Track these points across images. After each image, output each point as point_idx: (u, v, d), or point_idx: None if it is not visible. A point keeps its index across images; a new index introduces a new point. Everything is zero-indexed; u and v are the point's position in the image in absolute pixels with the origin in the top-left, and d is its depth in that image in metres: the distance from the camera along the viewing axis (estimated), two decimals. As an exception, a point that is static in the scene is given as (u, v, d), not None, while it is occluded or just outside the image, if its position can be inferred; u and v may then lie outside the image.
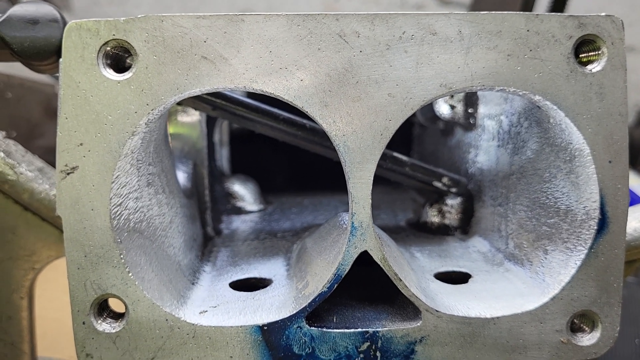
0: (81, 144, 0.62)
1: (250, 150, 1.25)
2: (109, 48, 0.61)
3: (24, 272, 0.96)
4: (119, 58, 0.62)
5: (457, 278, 0.78)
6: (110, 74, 0.62)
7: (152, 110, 0.62)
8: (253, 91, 0.63)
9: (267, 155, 1.35)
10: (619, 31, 0.65)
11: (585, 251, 0.68)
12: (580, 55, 0.65)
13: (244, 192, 1.12)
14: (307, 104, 0.63)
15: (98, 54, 0.61)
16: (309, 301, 0.65)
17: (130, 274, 0.64)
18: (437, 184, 0.95)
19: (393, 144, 0.98)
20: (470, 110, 0.97)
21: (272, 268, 0.80)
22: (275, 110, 0.87)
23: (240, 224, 1.03)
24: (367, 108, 0.63)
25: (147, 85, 0.62)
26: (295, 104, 0.63)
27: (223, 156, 1.17)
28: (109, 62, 0.62)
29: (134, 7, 3.36)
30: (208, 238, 0.94)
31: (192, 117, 0.96)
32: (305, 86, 0.63)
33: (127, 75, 0.61)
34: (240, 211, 1.09)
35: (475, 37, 0.63)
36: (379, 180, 0.95)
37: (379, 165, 0.89)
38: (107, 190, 0.63)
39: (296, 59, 0.62)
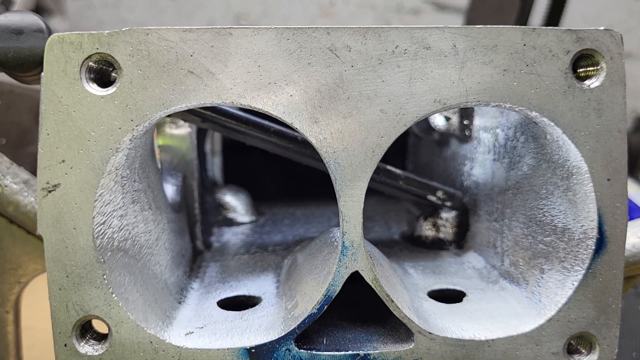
0: (63, 161, 0.60)
1: (243, 158, 1.23)
2: (92, 62, 0.59)
3: (10, 285, 0.94)
4: (103, 72, 0.61)
5: (452, 296, 0.77)
6: (93, 88, 0.60)
7: (136, 126, 0.60)
8: (241, 106, 0.61)
9: (260, 163, 1.32)
10: (618, 46, 0.63)
11: (583, 271, 0.66)
12: (579, 70, 0.63)
13: (235, 203, 1.10)
14: (296, 120, 0.61)
15: (81, 68, 0.59)
16: (298, 323, 0.63)
17: (113, 295, 0.62)
18: (432, 198, 0.93)
19: (388, 154, 0.96)
20: (465, 122, 0.95)
21: (261, 285, 0.78)
22: (266, 122, 0.85)
23: (231, 237, 1.01)
24: (359, 124, 0.62)
25: (132, 100, 0.60)
26: (284, 120, 0.61)
27: (215, 165, 1.15)
28: (92, 76, 0.60)
29: (128, 11, 3.34)
30: (197, 252, 0.92)
31: (182, 129, 0.94)
32: (295, 102, 0.61)
33: (110, 90, 0.60)
34: (231, 223, 1.07)
35: (470, 51, 0.62)
36: (374, 190, 0.93)
37: (372, 179, 0.88)
38: (90, 209, 0.61)
39: (286, 73, 0.61)
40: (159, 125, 0.94)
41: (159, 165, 0.92)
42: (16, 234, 0.89)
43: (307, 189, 1.24)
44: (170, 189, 0.87)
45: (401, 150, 1.32)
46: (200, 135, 1.06)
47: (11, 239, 0.89)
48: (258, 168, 1.31)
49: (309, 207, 1.21)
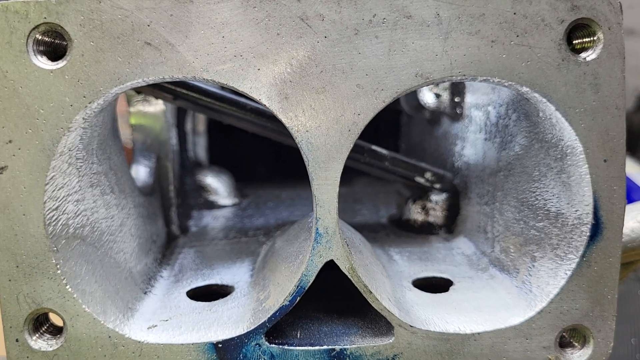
0: (10, 141, 0.55)
1: (229, 139, 1.18)
2: (39, 33, 0.54)
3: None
4: (55, 46, 0.55)
5: (438, 285, 0.72)
6: (42, 62, 0.54)
7: (89, 103, 0.55)
8: (204, 82, 0.56)
9: (248, 143, 1.27)
10: (616, 15, 0.57)
11: (577, 260, 0.61)
12: (574, 42, 0.58)
13: (217, 185, 1.05)
14: (264, 96, 0.56)
15: (27, 39, 0.54)
16: (269, 316, 0.59)
17: (68, 287, 0.57)
18: (420, 180, 0.88)
19: (380, 134, 0.91)
20: (456, 100, 0.90)
21: (236, 273, 0.74)
22: (242, 99, 0.80)
23: (211, 221, 0.96)
24: (333, 101, 0.56)
25: (84, 75, 0.54)
26: (251, 96, 0.56)
27: (199, 146, 1.10)
28: (42, 49, 0.55)
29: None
30: (172, 237, 0.87)
31: (155, 107, 0.88)
32: (263, 76, 0.56)
33: (60, 64, 0.54)
34: (212, 206, 1.03)
35: (455, 20, 0.56)
36: (362, 171, 0.88)
37: (355, 159, 0.83)
38: (40, 193, 0.56)
39: (252, 45, 0.55)
40: (130, 103, 0.88)
41: (130, 146, 0.87)
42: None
43: (295, 170, 1.18)
44: (142, 171, 0.83)
45: (394, 131, 1.27)
46: (180, 114, 1.00)
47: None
48: (245, 149, 1.26)
49: (295, 188, 1.16)
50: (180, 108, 0.99)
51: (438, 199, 0.90)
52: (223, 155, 1.15)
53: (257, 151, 1.29)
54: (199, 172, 1.05)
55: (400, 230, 0.92)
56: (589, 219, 0.60)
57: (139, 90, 0.82)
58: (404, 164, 0.89)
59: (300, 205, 1.04)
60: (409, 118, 1.20)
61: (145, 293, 0.67)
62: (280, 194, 1.13)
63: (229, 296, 0.68)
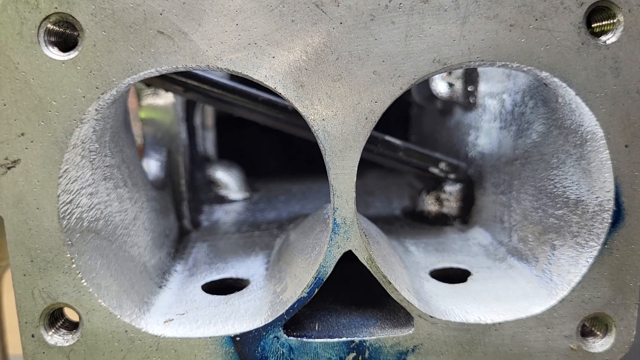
0: (22, 134, 0.54)
1: (238, 132, 1.17)
2: (51, 23, 0.53)
3: (-11, 270, 0.90)
4: (67, 36, 0.54)
5: (455, 275, 0.71)
6: (53, 53, 0.53)
7: (102, 94, 0.54)
8: (217, 70, 0.55)
9: (257, 137, 1.26)
10: (637, -4, 0.56)
11: (598, 247, 0.60)
12: (593, 25, 0.57)
13: (227, 179, 1.04)
14: (280, 84, 0.55)
15: (38, 30, 0.53)
16: (287, 308, 0.58)
17: (83, 281, 0.56)
18: (434, 170, 0.87)
19: (389, 125, 0.89)
20: (469, 89, 0.88)
21: (250, 267, 0.73)
22: (254, 91, 0.79)
23: (222, 215, 0.95)
24: (350, 88, 0.55)
25: (96, 65, 0.54)
26: (266, 85, 0.55)
27: (207, 140, 1.09)
28: (53, 39, 0.54)
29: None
30: (184, 232, 0.86)
31: (165, 99, 0.87)
32: (278, 64, 0.55)
33: (72, 54, 0.53)
34: (223, 200, 1.02)
35: (472, 4, 0.55)
36: (374, 163, 0.87)
37: (369, 150, 0.81)
38: (54, 186, 0.55)
39: (267, 32, 0.54)
40: (140, 97, 0.88)
41: (142, 140, 0.86)
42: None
43: (305, 163, 1.18)
44: (153, 165, 0.82)
45: (404, 122, 1.26)
46: (189, 108, 1.00)
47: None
48: (254, 142, 1.25)
49: (306, 182, 1.15)
50: (189, 102, 0.98)
51: (452, 189, 0.89)
52: (232, 149, 1.14)
53: (266, 145, 1.28)
54: (209, 166, 1.04)
55: (415, 222, 0.91)
56: (610, 205, 0.59)
57: (148, 83, 0.82)
58: (418, 155, 0.88)
59: (312, 199, 1.03)
60: (420, 109, 1.19)
61: (160, 287, 0.67)
62: (291, 187, 1.12)
63: (244, 289, 0.67)
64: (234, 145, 1.16)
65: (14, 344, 0.99)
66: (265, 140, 1.26)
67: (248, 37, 0.54)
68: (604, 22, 0.57)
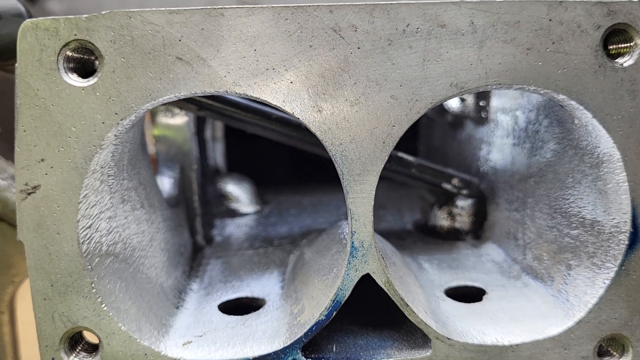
0: (42, 160, 0.55)
1: (247, 144, 1.17)
2: (70, 50, 0.54)
3: (3, 285, 0.90)
4: (84, 62, 0.55)
5: (470, 294, 0.71)
6: (72, 79, 0.54)
7: (121, 120, 0.54)
8: (236, 96, 0.56)
9: (266, 148, 1.27)
10: (654, 19, 0.56)
11: (615, 268, 0.60)
12: (610, 47, 0.57)
13: (238, 192, 1.04)
14: (297, 108, 0.55)
15: (58, 57, 0.53)
16: (305, 330, 0.58)
17: (103, 305, 0.56)
18: (447, 186, 0.88)
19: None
20: (481, 103, 0.89)
21: (265, 285, 0.73)
22: (268, 109, 0.79)
23: (235, 230, 0.96)
24: (367, 112, 0.56)
25: (115, 91, 0.54)
26: (284, 110, 0.55)
27: (217, 152, 1.09)
28: (72, 66, 0.54)
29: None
30: (198, 248, 0.86)
31: (179, 118, 0.88)
32: (296, 89, 0.55)
33: (91, 80, 0.54)
34: (234, 214, 1.02)
35: (489, 28, 0.55)
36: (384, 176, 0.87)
37: (383, 168, 0.82)
38: (74, 212, 0.55)
39: (285, 58, 0.54)
40: (153, 115, 0.88)
41: (155, 157, 0.87)
42: (6, 233, 0.85)
43: (314, 174, 1.18)
44: (166, 182, 0.82)
45: (412, 133, 1.26)
46: (200, 122, 1.00)
47: (1, 237, 0.85)
48: (264, 153, 1.26)
49: (316, 193, 1.15)
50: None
51: (464, 204, 0.89)
52: (241, 160, 1.14)
53: (274, 156, 1.28)
54: (219, 179, 1.05)
55: (427, 237, 0.91)
56: (627, 227, 0.59)
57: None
58: (431, 171, 0.88)
59: (323, 212, 1.04)
60: (429, 121, 1.19)
61: (177, 308, 0.67)
62: (301, 200, 1.12)
63: (261, 309, 0.67)
64: (243, 156, 1.16)
65: (29, 355, 1.00)
66: (273, 151, 1.26)
67: (266, 62, 0.54)
68: (620, 45, 0.57)
